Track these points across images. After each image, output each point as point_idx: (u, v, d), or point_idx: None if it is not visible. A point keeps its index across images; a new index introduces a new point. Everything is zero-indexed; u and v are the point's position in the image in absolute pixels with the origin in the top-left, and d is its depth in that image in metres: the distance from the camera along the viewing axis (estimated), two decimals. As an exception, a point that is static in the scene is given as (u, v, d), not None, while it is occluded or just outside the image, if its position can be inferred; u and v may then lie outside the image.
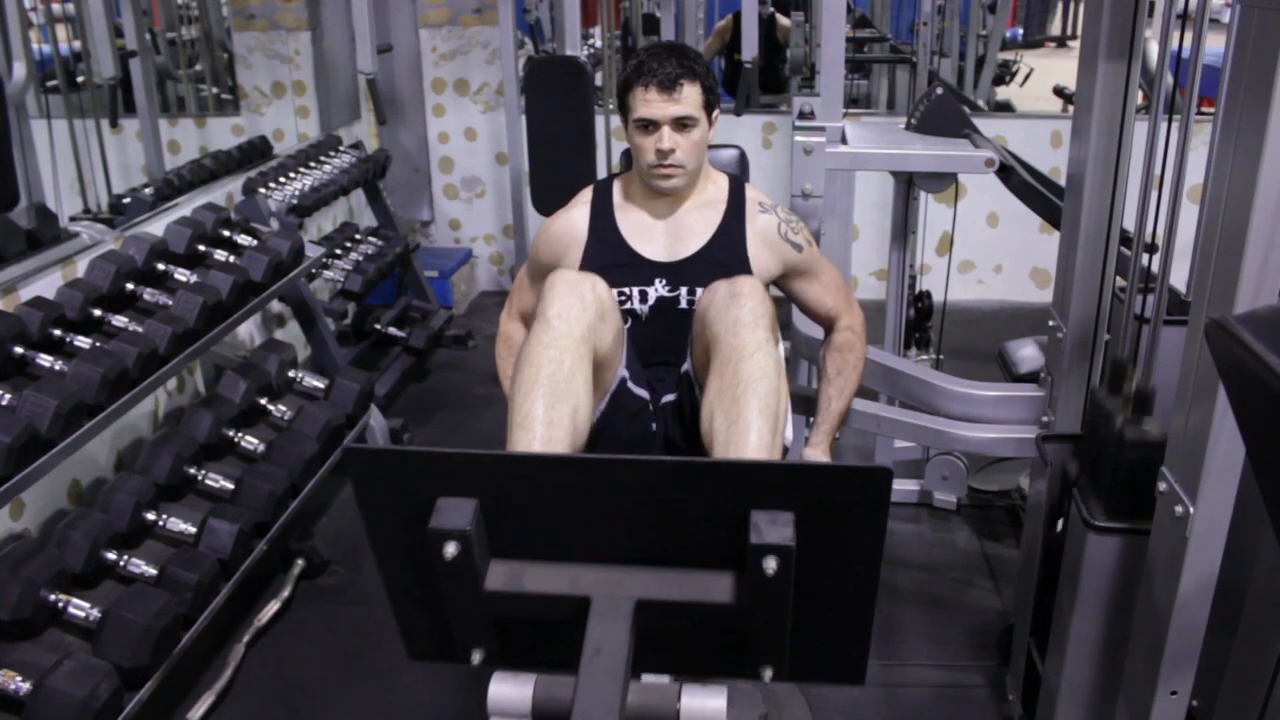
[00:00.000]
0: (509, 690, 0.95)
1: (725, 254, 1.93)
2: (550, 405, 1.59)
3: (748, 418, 1.56)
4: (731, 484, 0.89)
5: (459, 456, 0.91)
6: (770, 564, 0.85)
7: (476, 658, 0.96)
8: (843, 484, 0.89)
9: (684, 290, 1.92)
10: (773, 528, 0.86)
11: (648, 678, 0.99)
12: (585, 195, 2.03)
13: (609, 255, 1.95)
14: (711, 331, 1.67)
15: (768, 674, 0.93)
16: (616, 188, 2.02)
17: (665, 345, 1.93)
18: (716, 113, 1.92)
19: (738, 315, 1.64)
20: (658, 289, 1.93)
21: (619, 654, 0.87)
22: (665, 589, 0.91)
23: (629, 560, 0.92)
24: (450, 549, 0.89)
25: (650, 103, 1.83)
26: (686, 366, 1.85)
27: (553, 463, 1.04)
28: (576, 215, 2.00)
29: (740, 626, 0.91)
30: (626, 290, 1.93)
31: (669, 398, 1.90)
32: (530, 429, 1.58)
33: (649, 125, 1.86)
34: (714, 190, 1.99)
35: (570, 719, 0.85)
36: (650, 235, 1.96)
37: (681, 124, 1.85)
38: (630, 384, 1.85)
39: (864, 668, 0.96)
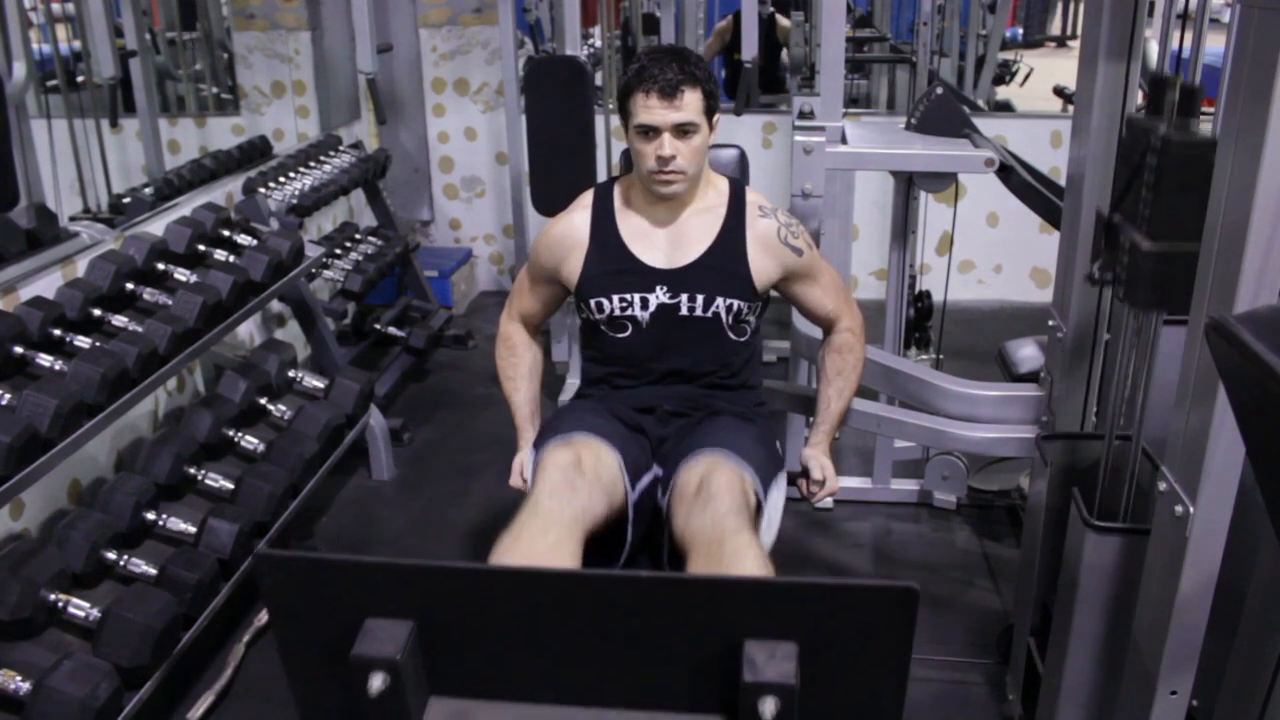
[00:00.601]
0: None
1: (725, 260, 1.93)
2: (528, 565, 1.55)
3: (739, 572, 1.53)
4: (721, 607, 0.74)
5: (391, 568, 0.77)
6: (768, 707, 0.71)
7: None
8: (857, 607, 0.73)
9: (684, 297, 1.92)
10: (771, 662, 0.71)
11: None
12: (586, 199, 2.03)
13: (610, 262, 1.95)
14: (689, 530, 1.66)
15: None
16: (617, 192, 2.01)
17: (665, 351, 1.94)
18: (717, 117, 1.91)
19: (715, 512, 1.64)
20: (659, 296, 1.93)
21: None
22: None
23: (595, 701, 0.77)
24: (377, 682, 0.74)
25: (651, 109, 1.83)
26: (664, 503, 1.83)
27: (504, 577, 0.86)
28: (577, 219, 2.00)
29: None
30: (627, 297, 1.93)
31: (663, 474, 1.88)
32: None
33: (650, 131, 1.85)
34: (714, 195, 1.99)
35: None
36: (651, 242, 1.96)
37: (682, 130, 1.84)
38: (641, 494, 1.84)
39: None
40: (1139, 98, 1.92)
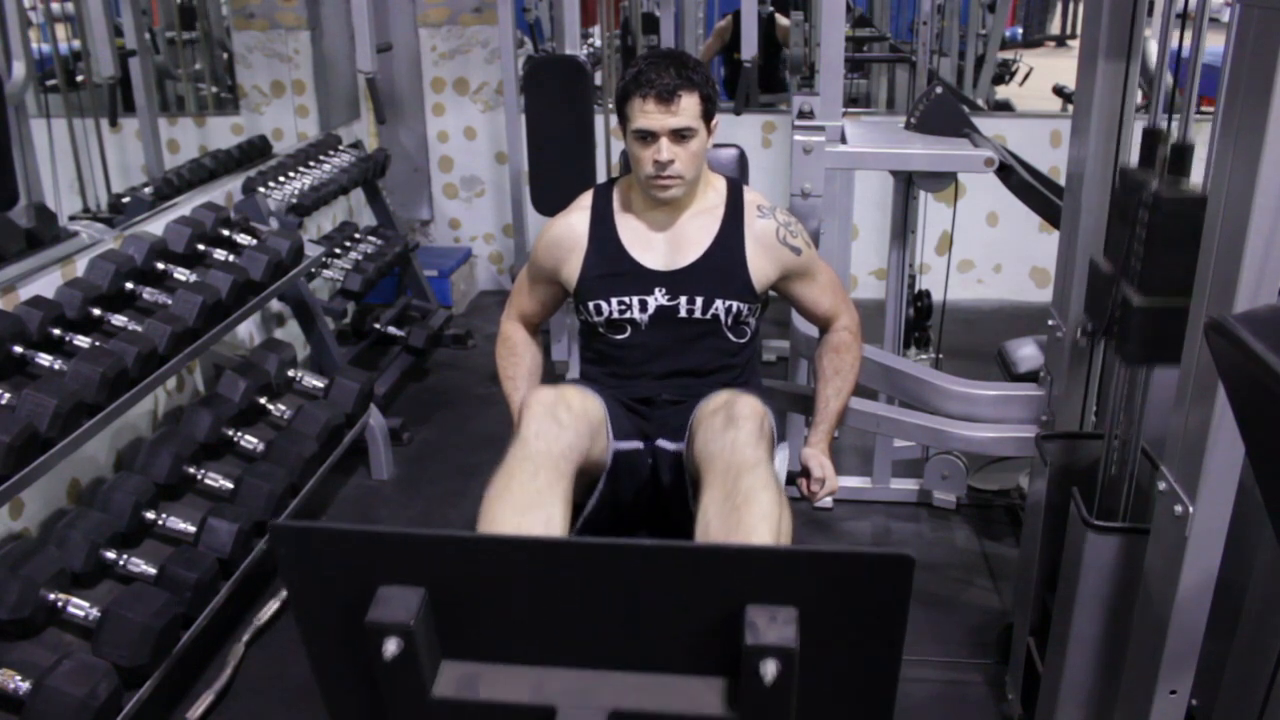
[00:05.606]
0: None
1: (724, 261, 1.93)
2: (520, 513, 1.57)
3: (749, 523, 1.52)
4: (723, 573, 0.77)
5: (403, 537, 0.80)
6: (769, 669, 0.73)
7: None
8: (855, 573, 0.76)
9: (683, 299, 1.92)
10: (772, 626, 0.73)
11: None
12: (585, 200, 2.03)
13: (609, 263, 1.95)
14: (707, 451, 1.65)
15: None
16: (616, 193, 2.01)
17: (664, 352, 1.94)
18: (716, 119, 1.91)
19: (736, 436, 1.63)
20: (657, 298, 1.93)
21: None
22: (644, 698, 0.78)
23: (602, 664, 0.80)
24: (391, 647, 0.76)
25: (648, 114, 1.82)
26: (679, 448, 1.84)
27: (514, 546, 0.88)
28: (576, 220, 1.99)
29: None
30: (626, 299, 1.93)
31: (669, 446, 1.87)
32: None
33: (647, 136, 1.85)
34: (713, 196, 1.98)
35: None
36: (650, 244, 1.96)
37: (680, 135, 1.84)
38: (621, 450, 1.85)
39: None
40: (1138, 97, 1.93)
